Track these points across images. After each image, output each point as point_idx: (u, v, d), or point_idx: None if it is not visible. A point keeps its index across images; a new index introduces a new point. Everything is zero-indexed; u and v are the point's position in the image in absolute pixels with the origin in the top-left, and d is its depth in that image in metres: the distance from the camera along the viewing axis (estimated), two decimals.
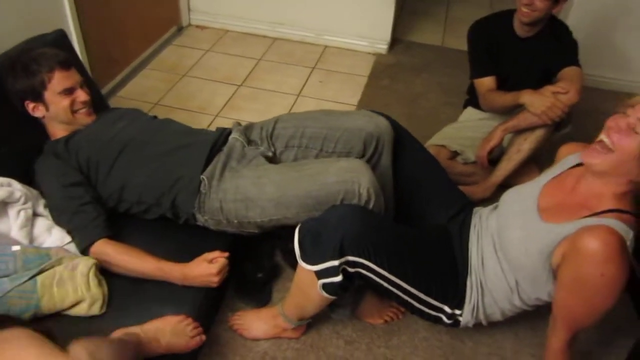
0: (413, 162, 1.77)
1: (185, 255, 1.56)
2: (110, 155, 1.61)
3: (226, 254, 1.54)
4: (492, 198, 2.17)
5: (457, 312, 1.49)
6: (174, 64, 3.11)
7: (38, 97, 1.60)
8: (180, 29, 3.45)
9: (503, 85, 2.21)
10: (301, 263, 1.40)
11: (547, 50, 2.13)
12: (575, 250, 1.26)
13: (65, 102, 1.61)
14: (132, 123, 1.71)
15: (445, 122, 2.53)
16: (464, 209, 1.68)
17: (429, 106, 2.88)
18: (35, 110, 1.62)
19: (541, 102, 1.95)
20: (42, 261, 1.46)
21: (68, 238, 1.57)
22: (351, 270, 1.38)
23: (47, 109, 1.61)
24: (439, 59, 3.34)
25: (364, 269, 1.38)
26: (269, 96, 2.88)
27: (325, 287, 1.39)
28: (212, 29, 3.48)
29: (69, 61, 1.63)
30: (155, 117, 1.83)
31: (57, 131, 1.67)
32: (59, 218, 1.56)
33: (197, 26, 3.50)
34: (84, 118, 1.66)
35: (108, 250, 1.50)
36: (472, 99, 2.42)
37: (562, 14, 2.84)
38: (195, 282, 1.52)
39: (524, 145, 2.10)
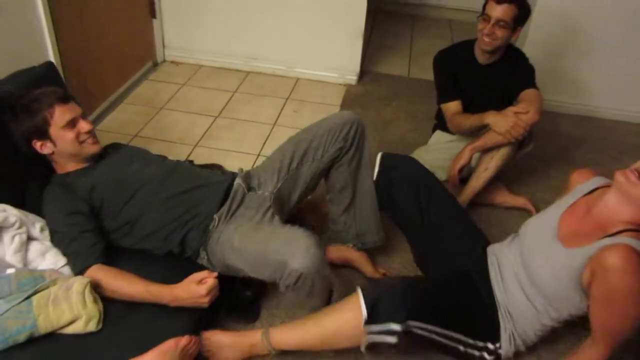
0: (439, 210, 1.89)
1: (178, 279, 1.59)
2: (125, 193, 1.68)
3: (215, 274, 1.58)
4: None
5: (497, 345, 1.61)
6: (150, 98, 3.19)
7: (44, 135, 1.63)
8: (155, 65, 3.55)
9: (468, 108, 2.36)
10: (364, 326, 1.47)
11: (507, 74, 2.30)
12: (600, 267, 1.39)
13: (70, 135, 1.65)
14: (146, 164, 1.78)
15: (415, 146, 2.67)
16: (482, 251, 1.80)
17: (399, 132, 3.02)
18: (44, 147, 1.66)
19: (504, 122, 2.11)
20: (36, 283, 1.49)
21: (62, 261, 1.61)
22: (406, 330, 1.48)
23: (54, 144, 1.65)
24: (406, 89, 3.52)
25: (420, 329, 1.50)
26: (246, 126, 2.98)
27: (370, 342, 1.49)
28: (186, 64, 3.59)
29: (67, 95, 1.68)
30: (165, 157, 1.89)
31: (67, 166, 1.71)
32: (58, 242, 1.60)
33: (172, 62, 3.60)
34: (90, 147, 1.70)
35: (100, 275, 1.54)
36: (440, 123, 2.57)
37: (518, 44, 3.06)
38: (184, 304, 1.55)
39: (491, 164, 2.25)
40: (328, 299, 1.70)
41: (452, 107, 2.37)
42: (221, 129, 2.94)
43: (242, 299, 1.82)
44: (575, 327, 1.70)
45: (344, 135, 1.87)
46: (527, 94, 2.21)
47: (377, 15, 4.60)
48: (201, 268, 1.70)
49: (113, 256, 1.64)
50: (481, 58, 2.34)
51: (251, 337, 1.65)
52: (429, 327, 1.51)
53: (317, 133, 1.88)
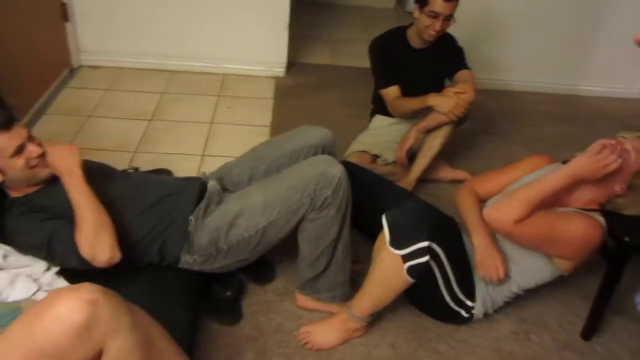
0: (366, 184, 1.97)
1: (158, 290, 1.61)
2: None
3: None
4: (413, 192, 2.44)
5: (473, 305, 1.74)
6: (74, 106, 3.02)
7: None
8: (72, 71, 3.36)
9: (404, 92, 2.48)
10: (390, 249, 1.54)
11: (440, 57, 2.45)
12: (583, 215, 1.57)
13: (20, 162, 1.51)
14: (111, 179, 1.71)
15: (353, 132, 2.76)
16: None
17: (336, 119, 3.09)
18: None
19: (446, 103, 2.25)
20: (14, 315, 1.41)
21: (34, 288, 1.52)
22: (431, 249, 1.57)
23: (4, 174, 1.53)
24: (334, 77, 3.61)
25: (435, 259, 1.60)
26: (184, 126, 2.92)
27: (410, 270, 1.54)
28: (105, 68, 3.43)
29: (10, 119, 1.51)
30: (125, 170, 1.84)
31: (22, 189, 1.60)
32: (41, 253, 1.54)
33: (90, 66, 3.43)
34: (42, 171, 1.58)
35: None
36: (379, 108, 2.68)
37: None
38: (63, 165, 1.55)
39: (435, 142, 2.39)
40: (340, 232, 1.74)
41: (392, 92, 2.47)
42: (158, 132, 2.86)
43: (222, 300, 1.83)
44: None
45: (313, 153, 1.85)
46: (463, 74, 2.37)
47: (295, 5, 4.63)
48: (183, 273, 1.71)
49: (91, 277, 1.57)
50: (415, 43, 2.46)
51: (340, 317, 1.76)
52: (442, 255, 1.62)
53: (281, 152, 1.87)
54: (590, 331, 1.85)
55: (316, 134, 1.89)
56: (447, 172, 2.63)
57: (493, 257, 1.70)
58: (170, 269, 1.71)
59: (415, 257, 1.53)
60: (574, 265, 1.68)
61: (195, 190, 1.75)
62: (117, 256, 1.51)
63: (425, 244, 1.52)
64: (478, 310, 1.77)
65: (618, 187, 1.61)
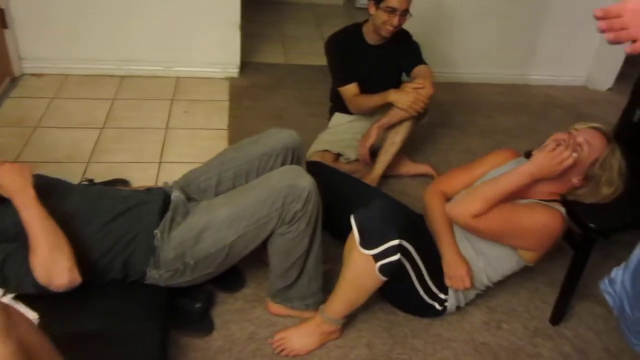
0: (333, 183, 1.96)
1: (124, 308, 1.56)
2: None
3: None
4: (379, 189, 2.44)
5: (446, 297, 1.75)
6: (19, 117, 2.87)
7: None
8: (14, 80, 3.19)
9: (363, 88, 2.48)
10: (361, 250, 1.52)
11: (397, 53, 2.46)
12: (544, 206, 1.60)
13: None
14: (66, 195, 1.63)
15: (313, 131, 2.73)
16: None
17: (294, 119, 3.06)
18: None
19: (406, 98, 2.26)
20: None
21: None
22: (401, 247, 1.56)
23: None
24: (289, 76, 3.57)
25: (406, 256, 1.60)
26: (139, 133, 2.83)
27: (382, 269, 1.52)
28: (50, 76, 3.27)
29: None
30: (80, 183, 1.75)
31: None
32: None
33: (33, 74, 3.27)
34: None
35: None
36: (337, 106, 2.66)
37: None
38: (13, 185, 1.47)
39: (396, 138, 2.40)
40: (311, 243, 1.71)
41: (351, 89, 2.46)
42: (112, 141, 2.75)
43: (192, 312, 1.77)
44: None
45: (282, 159, 1.81)
46: (420, 70, 2.39)
47: (244, 4, 4.57)
48: (149, 288, 1.65)
49: (51, 296, 1.49)
50: (372, 40, 2.46)
51: (315, 320, 1.72)
52: (413, 252, 1.63)
53: (249, 155, 1.81)
54: (558, 316, 1.90)
55: (284, 136, 1.84)
56: (409, 167, 2.64)
57: (459, 268, 1.74)
58: (136, 285, 1.64)
59: (386, 256, 1.52)
60: (538, 256, 1.71)
61: (159, 202, 1.69)
62: (76, 279, 1.44)
63: (395, 242, 1.52)
64: (451, 303, 1.78)
65: (575, 180, 1.64)
